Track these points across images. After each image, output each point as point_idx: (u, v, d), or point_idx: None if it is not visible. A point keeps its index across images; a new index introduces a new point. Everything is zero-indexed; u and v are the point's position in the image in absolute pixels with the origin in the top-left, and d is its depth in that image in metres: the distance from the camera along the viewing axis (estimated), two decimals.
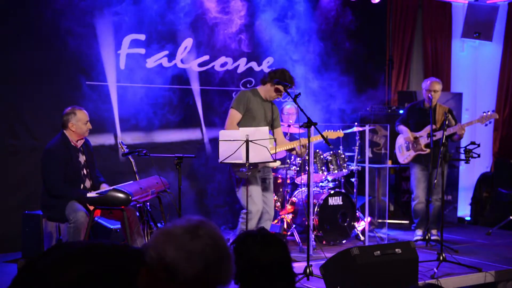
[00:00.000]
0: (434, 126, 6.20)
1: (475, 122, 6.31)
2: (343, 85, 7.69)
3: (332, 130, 5.63)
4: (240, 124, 5.23)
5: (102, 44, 6.41)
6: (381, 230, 6.88)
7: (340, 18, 7.66)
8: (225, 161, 4.85)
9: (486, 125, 6.38)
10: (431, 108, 6.21)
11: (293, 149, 5.36)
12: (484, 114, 6.23)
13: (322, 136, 5.08)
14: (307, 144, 5.17)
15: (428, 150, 6.34)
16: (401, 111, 7.54)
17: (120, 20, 6.45)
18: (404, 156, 6.61)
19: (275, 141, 5.39)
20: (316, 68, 7.56)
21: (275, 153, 5.27)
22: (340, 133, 5.72)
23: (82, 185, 5.05)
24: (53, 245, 1.96)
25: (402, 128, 6.62)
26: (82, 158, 5.10)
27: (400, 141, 6.68)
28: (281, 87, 5.22)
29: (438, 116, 6.34)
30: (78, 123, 4.99)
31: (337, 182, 6.81)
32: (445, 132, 5.65)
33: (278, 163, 5.40)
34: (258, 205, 5.22)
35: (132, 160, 5.58)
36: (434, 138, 6.18)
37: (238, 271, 2.28)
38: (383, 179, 7.50)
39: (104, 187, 5.09)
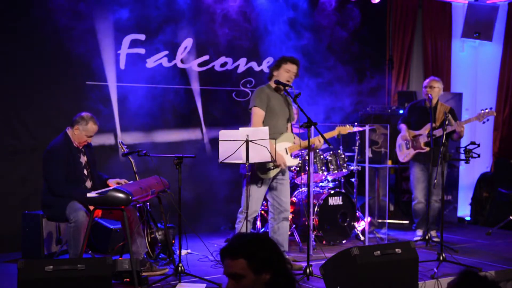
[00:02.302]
0: (434, 125, 6.20)
1: (473, 119, 6.31)
2: (343, 84, 7.69)
3: (341, 125, 5.58)
4: (264, 123, 5.12)
5: (102, 44, 6.42)
6: (381, 230, 6.88)
7: (340, 18, 7.65)
8: (225, 161, 4.85)
9: (483, 122, 6.37)
10: (430, 107, 6.21)
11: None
12: (482, 111, 6.23)
13: (323, 136, 5.09)
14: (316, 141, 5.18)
15: (427, 149, 6.35)
16: (401, 111, 7.54)
17: (120, 20, 6.45)
18: (404, 154, 6.62)
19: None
20: (315, 68, 7.55)
21: (298, 150, 5.35)
22: (351, 128, 5.62)
23: (82, 186, 5.07)
24: None
25: (401, 126, 6.66)
26: (83, 159, 5.12)
27: (400, 139, 6.69)
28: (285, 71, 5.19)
29: (438, 115, 6.34)
30: (82, 132, 5.03)
31: (337, 182, 6.81)
32: (445, 132, 5.65)
33: (296, 161, 5.42)
34: (253, 209, 5.11)
35: (132, 160, 5.58)
36: (433, 136, 6.18)
37: None
38: (383, 179, 7.49)
39: (111, 183, 5.11)
